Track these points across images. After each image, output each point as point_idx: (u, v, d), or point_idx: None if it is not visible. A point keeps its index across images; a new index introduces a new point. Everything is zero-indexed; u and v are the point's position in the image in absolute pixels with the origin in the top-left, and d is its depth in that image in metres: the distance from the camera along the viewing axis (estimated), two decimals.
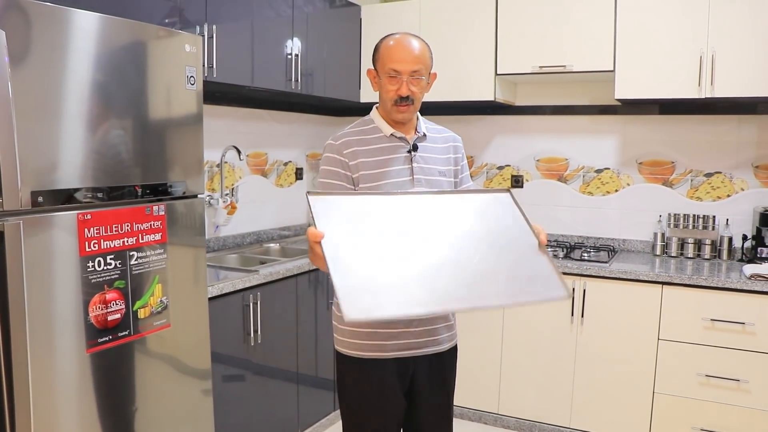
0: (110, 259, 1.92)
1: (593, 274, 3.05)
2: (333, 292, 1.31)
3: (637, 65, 3.10)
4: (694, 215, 3.35)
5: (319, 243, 1.38)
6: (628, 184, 3.57)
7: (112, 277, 1.92)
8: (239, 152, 3.24)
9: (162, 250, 2.10)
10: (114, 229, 1.93)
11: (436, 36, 3.48)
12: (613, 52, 3.14)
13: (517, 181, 3.81)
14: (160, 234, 2.09)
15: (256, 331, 2.73)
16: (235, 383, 2.68)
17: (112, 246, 1.92)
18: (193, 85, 2.21)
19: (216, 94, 3.21)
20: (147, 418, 2.09)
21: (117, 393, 1.99)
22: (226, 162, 3.37)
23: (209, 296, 2.40)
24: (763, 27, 2.85)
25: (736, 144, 3.31)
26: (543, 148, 3.76)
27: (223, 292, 2.54)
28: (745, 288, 2.75)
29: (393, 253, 1.45)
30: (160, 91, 2.09)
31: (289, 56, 3.21)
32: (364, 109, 1.93)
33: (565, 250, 3.43)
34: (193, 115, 2.22)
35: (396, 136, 1.82)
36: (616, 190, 3.60)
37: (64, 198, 1.80)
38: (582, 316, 3.09)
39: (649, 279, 2.93)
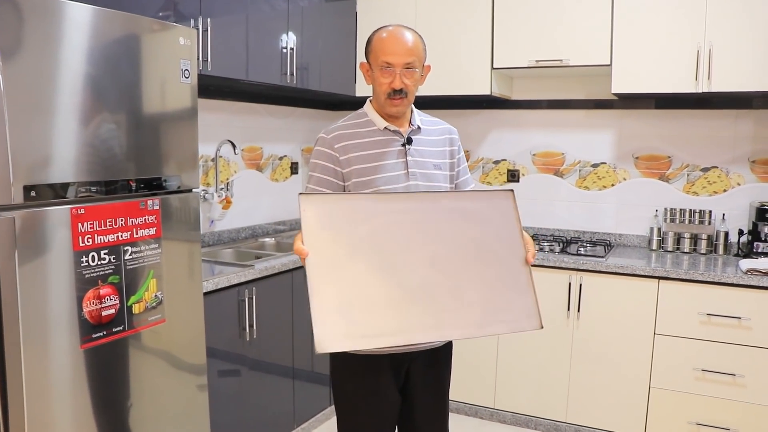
0: (104, 253, 1.90)
1: (589, 269, 3.05)
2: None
3: (634, 59, 3.09)
4: (690, 210, 3.35)
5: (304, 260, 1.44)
6: (625, 179, 3.56)
7: (106, 272, 1.91)
8: (234, 146, 3.22)
9: (156, 245, 2.08)
10: (108, 223, 1.91)
11: (432, 29, 3.47)
12: (610, 46, 3.13)
13: (513, 176, 3.81)
14: (155, 228, 2.07)
15: (251, 326, 2.72)
16: (231, 378, 2.67)
17: (106, 241, 1.90)
18: (187, 78, 2.19)
19: (210, 87, 3.19)
20: (142, 413, 2.07)
21: (112, 389, 1.98)
22: (221, 156, 3.35)
23: (204, 291, 2.38)
24: (761, 20, 2.84)
25: (733, 139, 3.30)
26: (539, 143, 3.75)
27: (219, 287, 2.53)
28: (741, 283, 2.75)
29: (375, 273, 1.47)
30: (155, 85, 2.07)
31: (284, 50, 3.18)
32: (360, 103, 1.91)
33: (561, 244, 3.42)
34: (188, 108, 2.20)
35: (390, 130, 1.80)
36: (613, 185, 3.59)
37: (58, 192, 1.78)
38: (578, 310, 3.09)
39: (646, 274, 2.93)
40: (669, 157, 3.45)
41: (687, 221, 3.35)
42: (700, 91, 2.97)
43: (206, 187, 3.28)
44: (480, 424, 3.35)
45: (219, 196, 3.30)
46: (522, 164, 3.80)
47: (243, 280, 2.66)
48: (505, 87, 3.65)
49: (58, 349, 1.79)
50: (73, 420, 1.86)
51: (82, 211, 1.83)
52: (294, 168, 3.97)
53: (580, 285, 3.08)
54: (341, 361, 1.81)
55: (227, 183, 3.38)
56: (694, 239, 3.32)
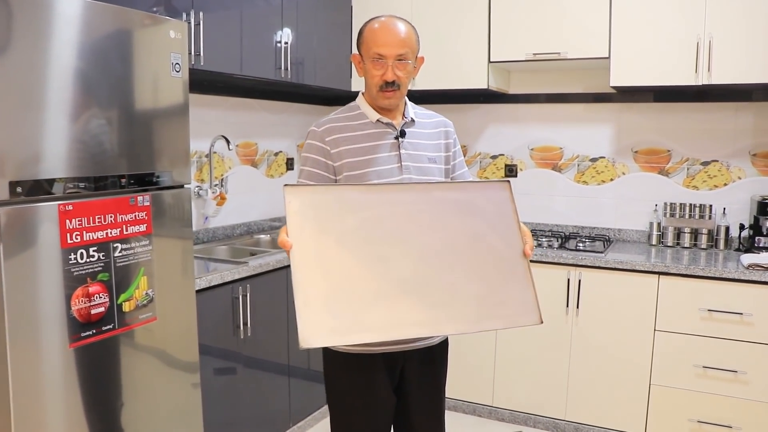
0: (93, 251, 1.86)
1: (588, 264, 3.01)
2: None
3: (633, 52, 3.04)
4: (690, 204, 3.31)
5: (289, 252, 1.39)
6: (624, 173, 3.52)
7: (95, 269, 1.87)
8: (228, 142, 3.18)
9: (147, 242, 2.05)
10: (97, 220, 1.87)
11: (427, 22, 3.43)
12: (609, 38, 3.09)
13: (510, 171, 3.77)
14: (145, 225, 2.04)
15: (245, 324, 2.68)
16: (226, 377, 2.63)
17: (95, 237, 1.87)
18: (178, 72, 2.15)
19: (204, 83, 3.15)
20: (134, 413, 2.04)
21: (102, 388, 1.94)
22: (215, 152, 3.30)
23: (197, 288, 2.35)
24: (761, 12, 2.80)
25: (733, 132, 3.26)
26: (537, 137, 3.71)
27: (212, 284, 2.49)
28: (742, 278, 2.71)
29: (363, 266, 1.41)
30: (145, 79, 2.03)
31: (279, 44, 3.14)
32: (356, 98, 1.87)
33: (559, 240, 3.39)
34: (179, 102, 2.16)
35: (382, 122, 1.75)
36: (612, 179, 3.55)
37: (45, 188, 1.74)
38: (577, 306, 3.06)
39: (645, 269, 2.90)
40: (668, 150, 3.41)
41: (687, 216, 3.31)
42: (699, 83, 2.93)
43: (200, 183, 3.24)
44: (478, 422, 3.32)
45: (213, 193, 3.26)
46: (520, 159, 3.76)
47: (237, 277, 2.62)
48: (503, 81, 3.61)
49: (46, 349, 1.76)
50: (63, 420, 1.82)
51: (70, 207, 1.79)
52: (290, 164, 3.93)
53: (579, 281, 3.04)
54: (334, 359, 1.76)
55: (221, 179, 3.34)
56: (695, 234, 3.29)
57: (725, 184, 3.31)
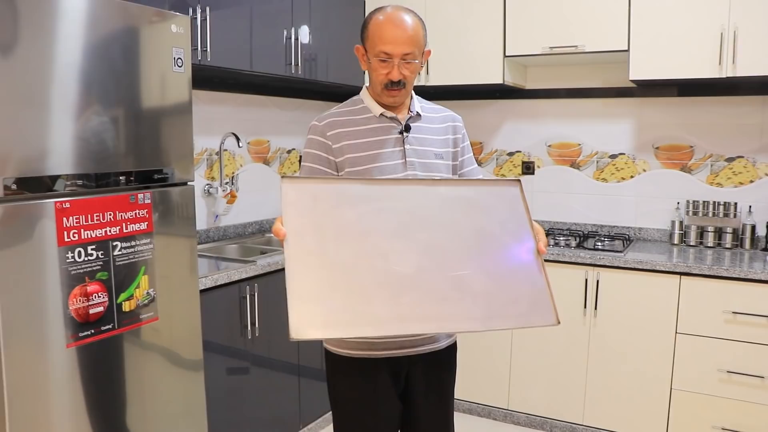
0: (91, 249, 1.82)
1: (607, 264, 2.91)
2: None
3: (653, 44, 2.94)
4: (714, 202, 3.19)
5: (282, 241, 1.29)
6: (644, 170, 3.41)
7: (94, 268, 1.83)
8: (238, 139, 3.13)
9: (148, 240, 2.01)
10: (95, 218, 1.83)
11: (441, 16, 3.36)
12: (628, 30, 2.99)
13: (528, 168, 3.67)
14: (146, 223, 2.00)
15: (253, 324, 2.64)
16: (234, 377, 2.59)
17: (94, 236, 1.83)
18: (180, 67, 2.11)
19: (215, 79, 3.11)
20: (137, 413, 2.00)
21: (103, 388, 1.90)
22: (225, 150, 3.27)
23: (202, 288, 2.31)
24: None
25: (760, 126, 3.14)
26: (555, 133, 3.61)
27: (218, 283, 2.45)
28: None
29: (362, 259, 1.32)
30: (146, 74, 1.99)
31: (290, 40, 3.09)
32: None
33: (578, 239, 3.29)
34: (182, 98, 2.12)
35: (386, 117, 1.68)
36: (632, 176, 3.44)
37: (43, 186, 1.71)
38: (595, 308, 2.96)
39: (667, 269, 2.79)
40: (691, 146, 3.30)
41: (711, 214, 3.20)
42: (724, 76, 2.81)
43: (210, 181, 3.21)
44: (493, 426, 3.24)
45: (223, 191, 3.22)
46: (537, 156, 3.66)
47: (244, 276, 2.58)
48: (519, 76, 3.52)
49: (43, 348, 1.72)
50: (63, 420, 1.79)
51: (68, 204, 1.76)
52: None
53: (598, 281, 2.94)
54: (336, 364, 1.70)
55: (232, 177, 3.31)
56: (719, 233, 3.17)
57: (751, 181, 3.18)
